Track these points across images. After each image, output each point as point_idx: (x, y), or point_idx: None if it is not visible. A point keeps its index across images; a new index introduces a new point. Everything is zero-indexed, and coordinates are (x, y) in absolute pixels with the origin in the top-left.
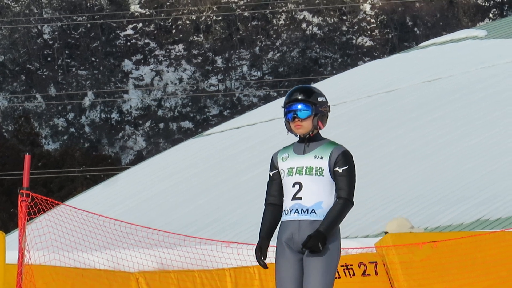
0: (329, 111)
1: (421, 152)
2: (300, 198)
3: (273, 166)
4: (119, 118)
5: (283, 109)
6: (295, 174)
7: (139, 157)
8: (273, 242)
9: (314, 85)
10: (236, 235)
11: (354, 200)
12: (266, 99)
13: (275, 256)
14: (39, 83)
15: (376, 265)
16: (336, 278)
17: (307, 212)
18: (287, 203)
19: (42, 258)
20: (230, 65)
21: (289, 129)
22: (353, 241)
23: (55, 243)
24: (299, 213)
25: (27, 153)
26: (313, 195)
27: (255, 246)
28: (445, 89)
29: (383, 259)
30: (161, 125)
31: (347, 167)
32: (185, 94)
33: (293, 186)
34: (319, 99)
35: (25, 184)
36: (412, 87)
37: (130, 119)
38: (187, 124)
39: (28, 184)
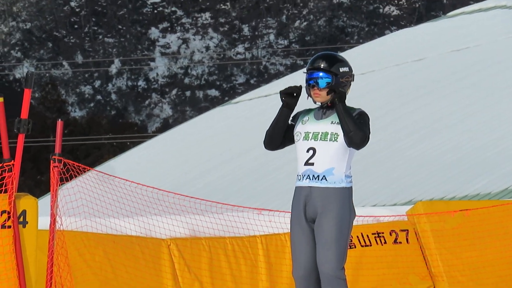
0: (353, 80)
1: (449, 121)
2: (312, 164)
3: (294, 118)
4: (146, 86)
5: (305, 73)
6: (311, 139)
7: (166, 125)
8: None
9: (340, 54)
10: (265, 202)
11: (368, 135)
12: (293, 68)
13: (290, 223)
14: (65, 50)
15: (407, 233)
16: (367, 245)
17: (318, 179)
18: (300, 168)
19: (73, 224)
20: (256, 33)
21: (309, 95)
22: (384, 209)
23: (86, 209)
24: (310, 179)
25: (60, 119)
26: (325, 161)
27: (285, 213)
28: (473, 58)
29: (414, 227)
30: (188, 93)
31: (362, 121)
32: (212, 62)
33: (307, 151)
34: (341, 69)
35: (57, 150)
36: (440, 56)
37: (157, 87)
38: (213, 92)
39: (60, 150)
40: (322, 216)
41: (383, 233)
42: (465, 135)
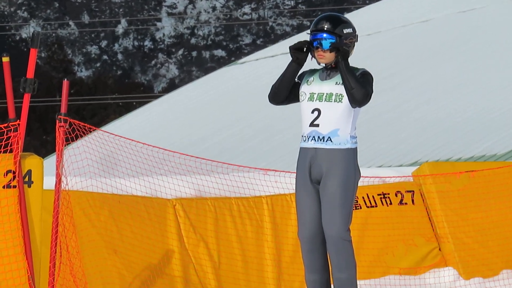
0: (357, 41)
1: (455, 83)
2: (317, 125)
3: (300, 76)
4: (152, 46)
5: (308, 35)
6: (316, 100)
7: (172, 85)
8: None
9: (344, 15)
10: (272, 162)
11: (371, 93)
12: (299, 29)
13: (295, 184)
14: (72, 10)
15: (413, 194)
16: (372, 206)
17: (323, 140)
18: (305, 129)
19: (79, 184)
20: None
21: (313, 56)
22: (390, 169)
23: (92, 169)
24: (315, 140)
25: (65, 79)
26: (330, 122)
27: (291, 174)
28: (479, 20)
29: (420, 188)
30: (194, 53)
31: (365, 79)
32: (218, 23)
33: (312, 112)
34: (345, 30)
35: (63, 109)
36: (446, 17)
37: (163, 47)
38: (220, 53)
39: (66, 110)
40: (327, 177)
41: (388, 194)
42: (471, 97)
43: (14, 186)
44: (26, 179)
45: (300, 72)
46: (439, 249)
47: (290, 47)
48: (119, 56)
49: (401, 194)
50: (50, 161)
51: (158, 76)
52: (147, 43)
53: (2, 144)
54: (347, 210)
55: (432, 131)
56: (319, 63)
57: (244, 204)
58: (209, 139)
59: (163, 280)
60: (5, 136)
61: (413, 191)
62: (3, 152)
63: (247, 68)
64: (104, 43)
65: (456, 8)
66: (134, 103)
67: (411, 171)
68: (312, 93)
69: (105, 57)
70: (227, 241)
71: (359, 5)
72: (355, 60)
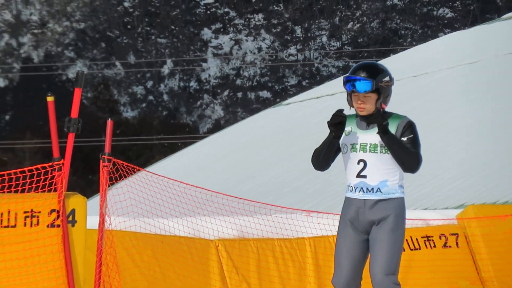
0: (393, 84)
1: (502, 124)
2: (365, 177)
3: None
4: (198, 87)
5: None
6: (359, 151)
7: (217, 126)
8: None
9: (380, 64)
10: (315, 204)
11: (421, 157)
12: (345, 70)
13: (337, 231)
14: (118, 50)
15: (457, 237)
16: (416, 249)
17: (373, 191)
18: (352, 179)
19: (122, 224)
20: (309, 35)
21: (351, 105)
22: (434, 212)
23: (135, 209)
24: (364, 192)
25: (109, 119)
26: (378, 173)
27: (334, 215)
28: None
29: (464, 231)
30: (239, 94)
31: (412, 135)
32: (264, 64)
33: (358, 163)
34: (384, 79)
35: (107, 149)
36: (494, 58)
37: (209, 87)
38: (265, 94)
39: (110, 150)
40: (377, 226)
41: (432, 236)
42: None
43: (58, 225)
44: (70, 218)
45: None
46: None
47: (328, 123)
48: (165, 97)
49: (445, 237)
50: (95, 201)
51: (204, 117)
52: (193, 84)
53: (46, 183)
54: (397, 257)
55: (478, 173)
56: (357, 115)
57: (286, 245)
58: (253, 180)
59: None
60: (49, 176)
61: (458, 234)
62: (47, 191)
63: (292, 109)
64: (150, 84)
65: (503, 50)
66: (179, 144)
67: (455, 214)
68: (354, 143)
69: (150, 97)
70: (269, 282)
71: (406, 47)
72: (403, 100)
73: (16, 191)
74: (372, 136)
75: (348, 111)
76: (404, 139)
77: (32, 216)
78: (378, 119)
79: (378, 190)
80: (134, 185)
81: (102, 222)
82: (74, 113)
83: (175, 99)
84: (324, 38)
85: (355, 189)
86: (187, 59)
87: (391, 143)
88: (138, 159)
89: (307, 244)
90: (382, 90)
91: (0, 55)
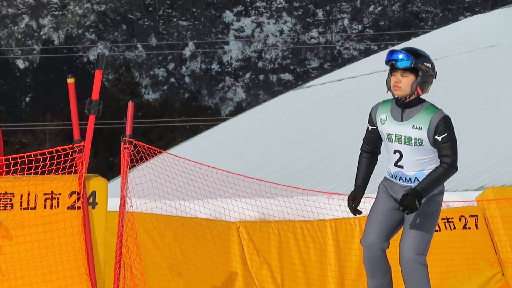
0: (435, 78)
1: None
2: (402, 167)
3: (371, 121)
4: (219, 69)
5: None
6: (394, 142)
7: (239, 108)
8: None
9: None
10: (337, 186)
11: (457, 163)
12: (367, 53)
13: (376, 194)
14: (140, 32)
15: (476, 219)
16: (436, 231)
17: (411, 181)
18: (391, 166)
19: (143, 206)
20: (331, 18)
21: (389, 88)
22: (454, 194)
23: (156, 191)
24: (403, 181)
25: (131, 101)
26: (414, 164)
27: None
28: None
29: (483, 213)
30: (261, 77)
31: (446, 134)
32: (286, 46)
33: (394, 153)
34: (425, 63)
35: (128, 131)
36: None
37: (230, 70)
38: (287, 76)
39: (131, 132)
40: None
41: (452, 218)
42: None
43: (79, 208)
44: (91, 200)
45: (369, 111)
46: (502, 274)
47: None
48: (187, 79)
49: (464, 218)
50: (116, 183)
51: (225, 99)
52: (215, 66)
53: (67, 166)
54: (427, 238)
55: (498, 156)
56: (394, 96)
57: (308, 227)
58: (275, 163)
59: None
60: (70, 157)
61: (477, 216)
62: (68, 174)
63: (314, 91)
64: (171, 66)
65: None
66: (201, 126)
67: (475, 196)
68: (389, 133)
69: (172, 79)
70: (290, 264)
71: (426, 30)
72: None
73: (36, 173)
74: (407, 129)
75: (385, 94)
76: (439, 138)
77: (52, 198)
78: (412, 206)
79: (416, 179)
80: (155, 167)
81: (123, 204)
82: (95, 95)
83: (197, 82)
84: (346, 21)
85: (395, 177)
86: (208, 42)
87: (430, 191)
88: (159, 142)
89: (328, 226)
90: (421, 72)
91: (20, 37)
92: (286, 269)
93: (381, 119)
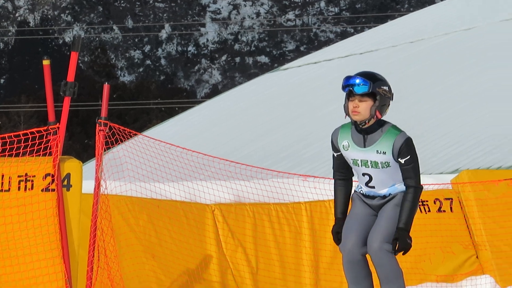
0: (392, 100)
1: (497, 91)
2: (373, 187)
3: (334, 148)
4: (195, 51)
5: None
6: (361, 166)
7: (215, 91)
8: None
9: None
10: (312, 169)
11: (421, 181)
12: (343, 35)
13: (352, 203)
14: (116, 14)
15: (451, 202)
16: None
17: (385, 197)
18: (362, 186)
19: (118, 188)
20: (307, 0)
21: (347, 113)
22: (428, 177)
23: (131, 173)
24: (378, 198)
25: (106, 83)
26: (385, 183)
27: (330, 180)
28: None
29: (458, 196)
30: (237, 59)
31: (409, 156)
32: (262, 29)
33: (363, 175)
34: (382, 86)
35: (103, 113)
36: (489, 25)
37: (206, 52)
38: (263, 59)
39: (106, 114)
40: (386, 204)
41: (427, 201)
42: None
43: (53, 190)
44: (65, 182)
45: (330, 139)
46: (477, 257)
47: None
48: (162, 61)
49: (439, 201)
50: (91, 165)
51: (201, 82)
52: (191, 48)
53: (41, 148)
54: (395, 227)
55: (473, 139)
56: (353, 121)
57: (282, 210)
58: (250, 145)
59: (201, 285)
60: (44, 140)
61: (452, 199)
62: (42, 156)
63: (290, 74)
64: (147, 48)
65: (499, 17)
66: (177, 109)
67: (450, 178)
68: (355, 159)
69: (148, 62)
70: (265, 246)
71: (403, 12)
72: (400, 66)
73: (10, 155)
74: (371, 154)
75: (343, 119)
76: (402, 161)
77: (26, 180)
78: (406, 246)
79: (390, 194)
80: (131, 150)
81: (97, 186)
82: (71, 77)
83: (173, 64)
84: (322, 4)
85: (367, 196)
86: (185, 24)
87: (411, 221)
88: (134, 124)
89: (303, 208)
90: (379, 96)
91: None
92: (261, 251)
93: (343, 145)
